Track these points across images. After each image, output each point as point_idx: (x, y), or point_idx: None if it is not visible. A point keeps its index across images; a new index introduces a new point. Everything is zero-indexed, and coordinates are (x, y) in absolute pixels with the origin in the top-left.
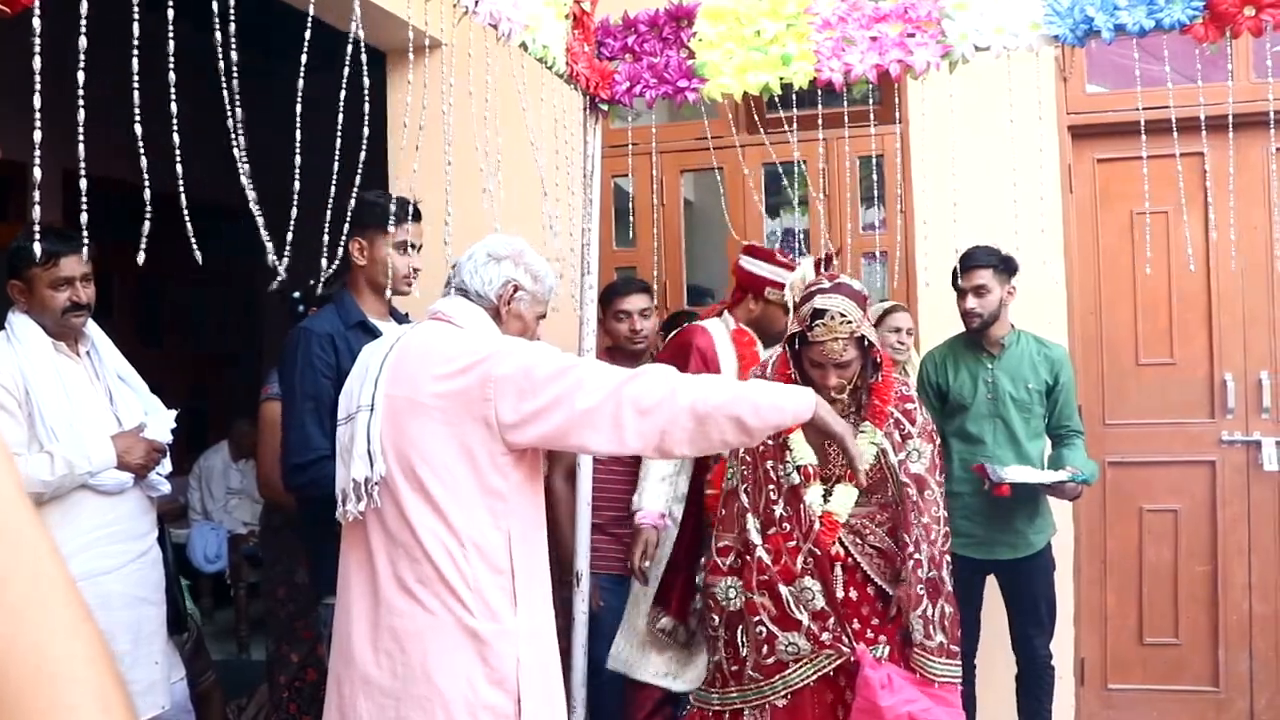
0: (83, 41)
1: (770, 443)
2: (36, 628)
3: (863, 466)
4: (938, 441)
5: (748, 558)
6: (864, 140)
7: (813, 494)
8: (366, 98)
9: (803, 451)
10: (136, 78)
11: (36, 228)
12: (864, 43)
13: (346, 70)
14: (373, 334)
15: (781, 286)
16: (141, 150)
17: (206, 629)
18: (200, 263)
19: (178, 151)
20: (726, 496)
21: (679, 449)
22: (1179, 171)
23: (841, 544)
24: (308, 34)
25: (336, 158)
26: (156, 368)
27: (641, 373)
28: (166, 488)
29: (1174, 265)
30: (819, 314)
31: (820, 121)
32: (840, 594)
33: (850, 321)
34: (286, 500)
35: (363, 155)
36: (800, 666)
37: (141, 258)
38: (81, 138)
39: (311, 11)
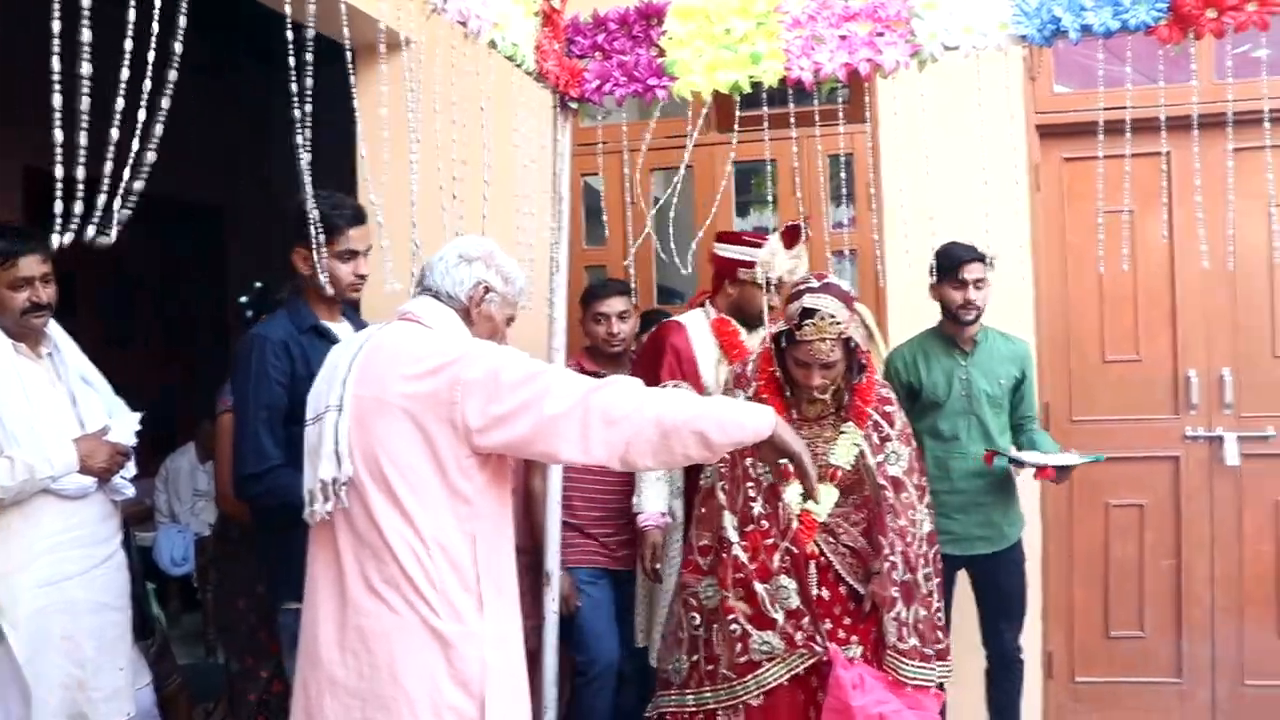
0: (56, 25)
1: None
2: None
3: (814, 486)
4: (914, 444)
5: (724, 556)
6: (834, 139)
7: (791, 492)
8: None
9: None
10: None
11: None
12: (833, 41)
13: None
14: (327, 338)
15: (752, 265)
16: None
17: (173, 632)
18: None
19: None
20: (704, 495)
21: (642, 460)
22: (1137, 171)
23: (815, 543)
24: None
25: (302, 153)
26: (123, 368)
27: (609, 383)
28: (131, 491)
29: (1139, 263)
30: (809, 313)
31: (791, 120)
32: (814, 592)
33: (839, 322)
34: (244, 512)
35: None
36: (773, 666)
37: (112, 236)
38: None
39: (288, 12)
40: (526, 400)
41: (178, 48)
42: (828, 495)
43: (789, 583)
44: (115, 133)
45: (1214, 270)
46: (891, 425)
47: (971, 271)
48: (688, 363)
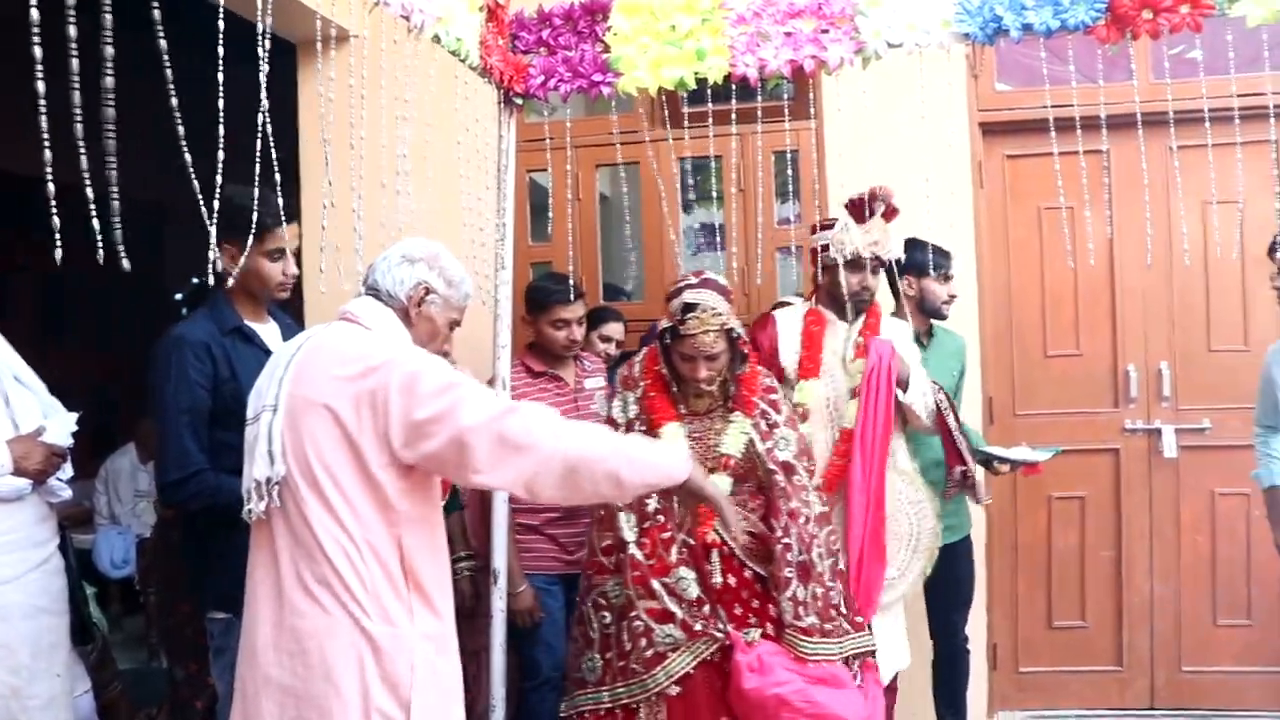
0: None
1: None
2: None
3: (736, 531)
4: (800, 429)
5: (622, 555)
6: (779, 135)
7: None
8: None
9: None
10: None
11: None
12: (778, 38)
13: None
14: (250, 339)
15: (827, 248)
16: (46, 143)
17: (114, 637)
18: (128, 267)
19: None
20: None
21: (547, 493)
22: (1078, 168)
23: (716, 532)
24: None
25: (220, 150)
26: (61, 368)
27: (520, 408)
28: (67, 493)
29: (1080, 260)
30: (690, 308)
31: (735, 117)
32: (719, 580)
33: (720, 314)
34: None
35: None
36: (679, 655)
37: (58, 254)
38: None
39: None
40: (443, 410)
41: (109, 51)
42: (721, 484)
43: (688, 573)
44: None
45: (1153, 267)
46: (778, 412)
47: (951, 267)
48: (767, 356)
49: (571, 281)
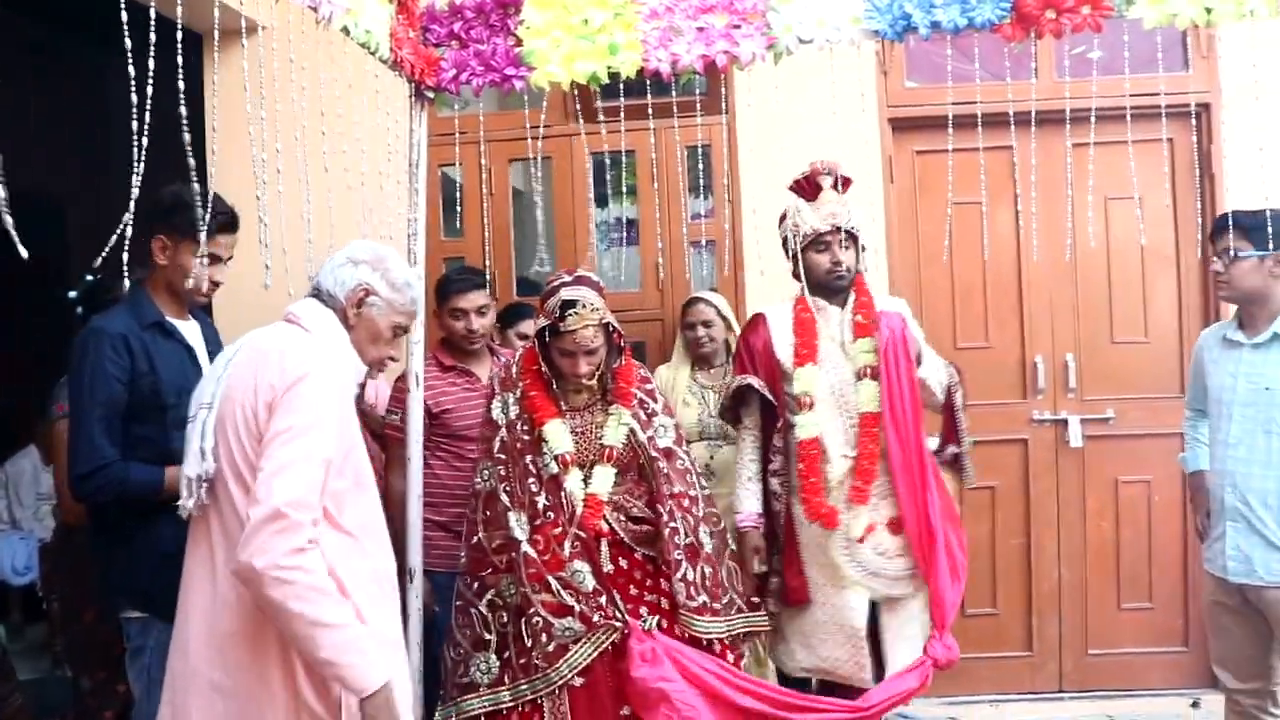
0: None
1: (526, 438)
2: None
3: None
4: (677, 416)
5: (514, 555)
6: (691, 130)
7: (573, 480)
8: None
9: (558, 441)
10: None
11: None
12: (691, 33)
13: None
14: (171, 335)
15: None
16: None
17: (15, 646)
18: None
19: None
20: (486, 498)
21: (261, 595)
22: (986, 164)
23: (606, 521)
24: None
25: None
26: None
27: (300, 516)
28: None
29: (989, 254)
30: (569, 304)
31: (649, 111)
32: (610, 567)
33: (598, 310)
34: (81, 517)
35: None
36: (580, 647)
37: None
38: None
39: None
40: (277, 446)
41: None
42: (606, 475)
43: (583, 566)
44: None
45: (1058, 261)
46: (655, 401)
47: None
48: (763, 355)
49: (485, 275)
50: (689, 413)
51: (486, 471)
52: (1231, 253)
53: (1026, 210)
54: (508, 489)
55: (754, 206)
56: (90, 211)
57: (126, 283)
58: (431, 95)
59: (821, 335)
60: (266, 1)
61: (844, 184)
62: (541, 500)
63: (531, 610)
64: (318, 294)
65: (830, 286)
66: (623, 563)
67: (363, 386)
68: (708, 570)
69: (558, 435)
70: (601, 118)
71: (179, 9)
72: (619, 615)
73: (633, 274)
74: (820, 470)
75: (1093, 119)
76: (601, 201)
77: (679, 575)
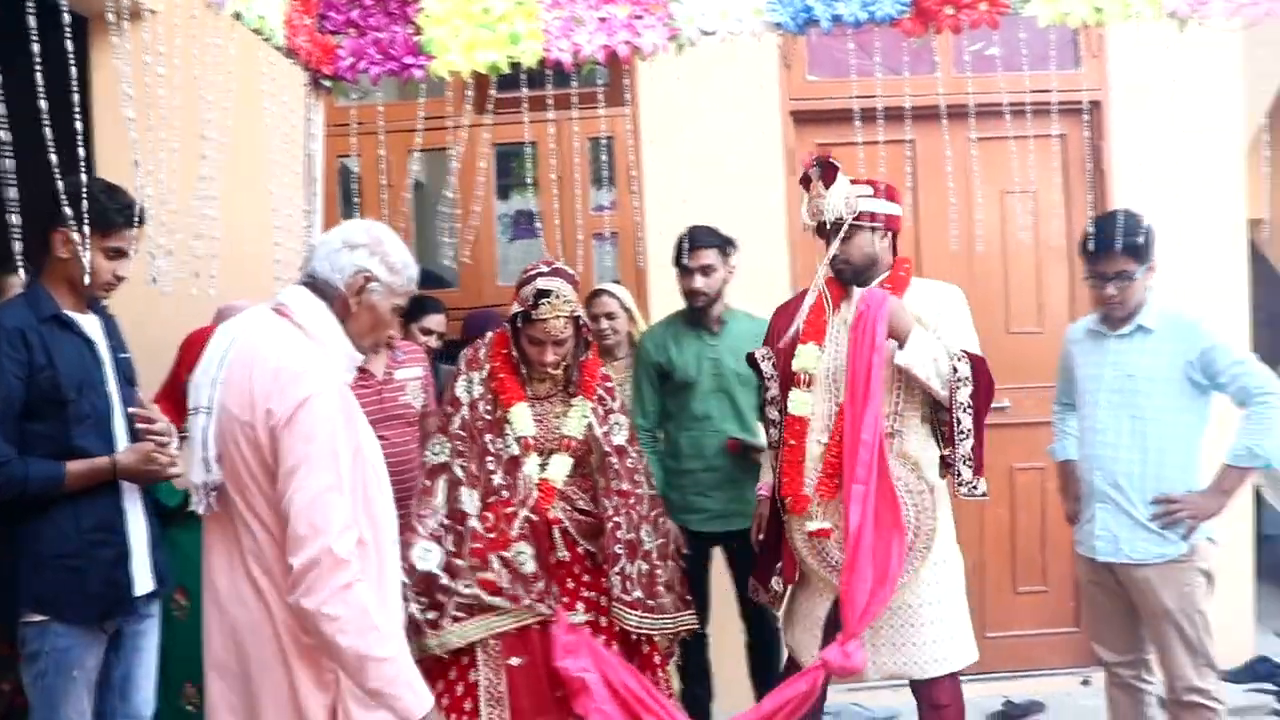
0: None
1: (489, 417)
2: None
3: None
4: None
5: (460, 528)
6: (594, 122)
7: (530, 464)
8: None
9: (522, 425)
10: None
11: None
12: (593, 23)
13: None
14: (70, 328)
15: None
16: None
17: None
18: None
19: None
20: (433, 469)
21: (310, 602)
22: (886, 157)
23: (555, 508)
24: None
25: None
26: None
27: (343, 551)
28: None
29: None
30: (543, 294)
31: (550, 102)
32: (566, 554)
33: (570, 302)
34: None
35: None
36: (500, 616)
37: None
38: None
39: None
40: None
41: None
42: (562, 464)
43: (527, 548)
44: None
45: (955, 253)
46: (614, 398)
47: (696, 259)
48: (784, 329)
49: None
50: None
51: (440, 445)
52: (1128, 276)
53: (925, 203)
54: (463, 465)
55: (655, 198)
56: None
57: (21, 275)
58: (328, 84)
59: (834, 318)
60: None
61: (828, 174)
62: (497, 478)
63: (465, 583)
64: (312, 281)
65: (837, 277)
66: (565, 554)
67: (365, 371)
68: (644, 567)
69: (522, 418)
70: (496, 109)
71: None
72: (550, 603)
73: None
74: (801, 449)
75: (971, 115)
76: (504, 193)
77: (616, 569)
